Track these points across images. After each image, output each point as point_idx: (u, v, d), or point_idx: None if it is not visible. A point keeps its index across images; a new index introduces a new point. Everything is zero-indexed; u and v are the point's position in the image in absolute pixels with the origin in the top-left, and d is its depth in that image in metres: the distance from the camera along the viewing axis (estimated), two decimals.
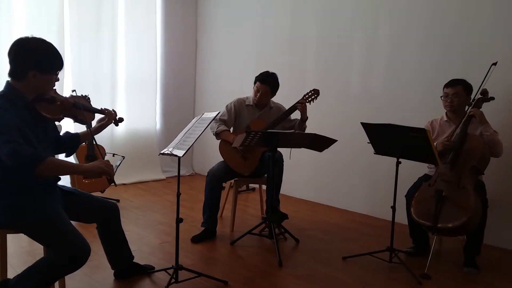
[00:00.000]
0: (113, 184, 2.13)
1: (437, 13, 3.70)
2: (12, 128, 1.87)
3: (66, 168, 2.05)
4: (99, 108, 2.45)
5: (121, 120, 2.53)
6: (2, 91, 2.02)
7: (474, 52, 3.47)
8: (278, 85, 3.57)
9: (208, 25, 6.02)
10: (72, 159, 3.90)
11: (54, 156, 2.23)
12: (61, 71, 2.13)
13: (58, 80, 2.11)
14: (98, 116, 2.49)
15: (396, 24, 4.01)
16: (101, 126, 2.44)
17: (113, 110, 2.48)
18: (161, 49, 5.88)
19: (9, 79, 2.03)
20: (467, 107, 3.03)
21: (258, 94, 3.51)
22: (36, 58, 1.98)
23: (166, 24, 5.89)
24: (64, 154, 2.46)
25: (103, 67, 5.21)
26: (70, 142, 2.38)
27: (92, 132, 2.35)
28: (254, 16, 5.32)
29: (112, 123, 2.48)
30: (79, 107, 2.26)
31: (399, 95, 3.98)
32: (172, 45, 5.97)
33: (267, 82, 3.49)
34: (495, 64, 2.91)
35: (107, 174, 2.05)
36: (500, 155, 2.93)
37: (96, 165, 2.03)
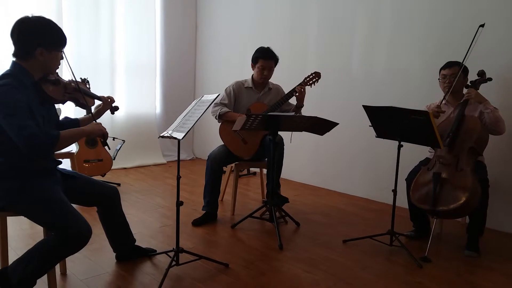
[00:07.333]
0: (106, 147, 2.27)
1: None
2: (23, 109, 1.88)
3: (76, 136, 2.14)
4: (98, 95, 2.45)
5: (116, 108, 2.49)
6: (10, 70, 2.01)
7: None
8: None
9: (208, 8, 5.94)
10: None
11: None
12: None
13: (62, 58, 2.12)
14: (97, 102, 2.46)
15: (398, 6, 3.94)
16: (98, 112, 2.44)
17: (109, 97, 2.45)
18: (161, 33, 5.83)
19: (14, 59, 2.02)
20: (464, 89, 3.00)
21: (265, 72, 3.47)
22: (41, 35, 1.99)
23: (166, 7, 5.83)
24: None
25: (102, 51, 5.17)
26: (70, 127, 2.37)
27: (94, 116, 2.35)
28: None
29: (108, 111, 2.47)
30: (81, 91, 2.27)
31: (402, 78, 3.94)
32: (172, 29, 5.91)
33: (271, 56, 3.47)
34: (482, 26, 2.85)
35: (106, 135, 2.22)
36: (503, 131, 2.89)
37: (97, 127, 2.18)
